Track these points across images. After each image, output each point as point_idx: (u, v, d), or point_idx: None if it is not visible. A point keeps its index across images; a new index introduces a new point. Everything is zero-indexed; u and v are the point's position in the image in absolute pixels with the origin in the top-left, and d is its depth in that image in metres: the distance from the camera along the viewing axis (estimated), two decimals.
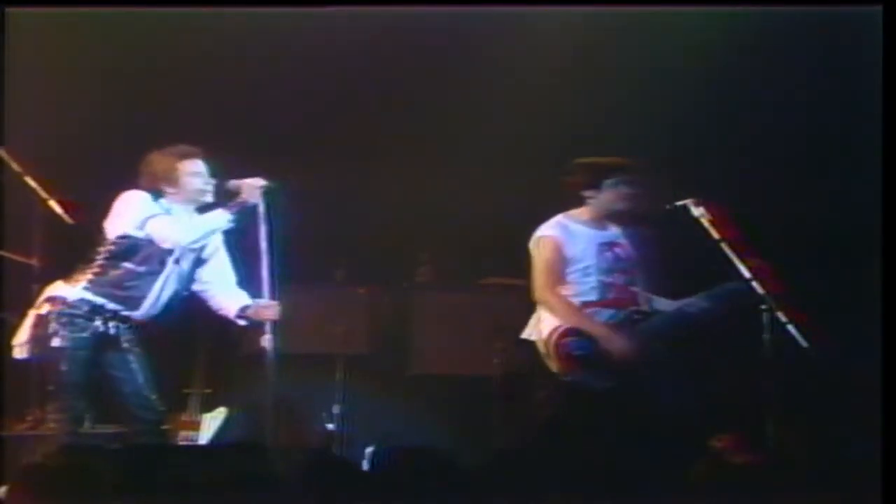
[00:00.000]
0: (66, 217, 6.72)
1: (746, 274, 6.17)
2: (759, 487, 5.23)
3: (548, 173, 7.29)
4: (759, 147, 7.81)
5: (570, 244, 6.46)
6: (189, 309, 6.50)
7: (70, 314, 6.15)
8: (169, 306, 6.31)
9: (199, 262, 6.39)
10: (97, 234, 6.28)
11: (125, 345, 6.25)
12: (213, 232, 6.33)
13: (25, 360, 6.21)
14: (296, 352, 6.66)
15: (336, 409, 7.34)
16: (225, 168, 6.42)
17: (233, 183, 6.33)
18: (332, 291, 7.85)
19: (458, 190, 7.94)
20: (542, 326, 6.42)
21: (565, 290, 6.43)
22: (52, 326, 6.14)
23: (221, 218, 6.29)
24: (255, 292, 6.34)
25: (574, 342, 6.33)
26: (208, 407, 7.64)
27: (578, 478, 5.37)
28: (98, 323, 6.18)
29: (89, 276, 6.22)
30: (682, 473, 5.35)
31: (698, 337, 6.57)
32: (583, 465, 5.50)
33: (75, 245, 6.49)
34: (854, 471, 5.43)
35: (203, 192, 6.34)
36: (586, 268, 6.44)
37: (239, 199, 6.31)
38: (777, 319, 6.09)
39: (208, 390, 7.73)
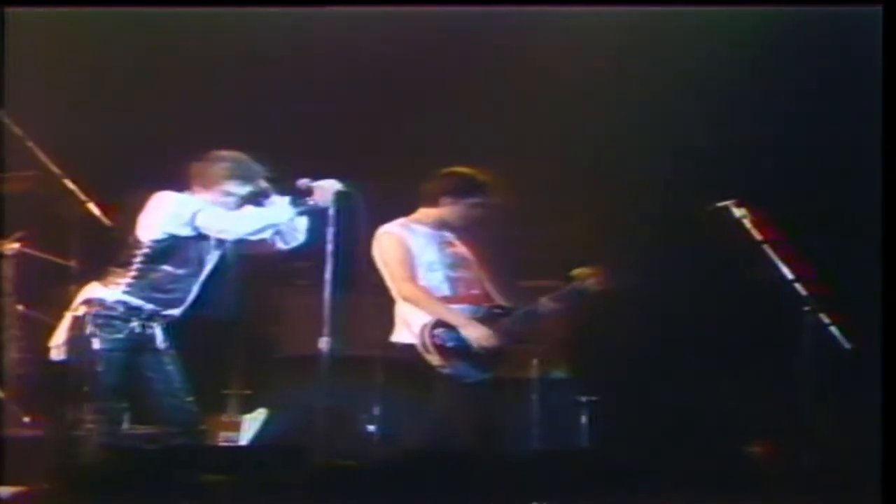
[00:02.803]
0: (104, 219, 6.81)
1: (789, 275, 6.27)
2: (766, 488, 5.45)
3: (565, 176, 7.61)
4: (757, 147, 7.87)
5: (413, 240, 6.68)
6: (228, 310, 6.57)
7: (107, 316, 6.14)
8: (208, 300, 6.31)
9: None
10: (130, 236, 6.24)
11: (160, 346, 6.24)
12: (272, 226, 6.24)
13: (62, 361, 6.21)
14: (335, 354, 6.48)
15: (376, 411, 7.27)
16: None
17: (303, 182, 6.23)
18: (365, 294, 7.51)
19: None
20: (413, 324, 6.56)
21: (423, 284, 6.62)
22: (90, 328, 6.13)
23: (283, 213, 6.22)
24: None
25: (446, 333, 6.54)
26: (248, 408, 7.60)
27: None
28: (135, 324, 6.18)
29: (128, 280, 6.18)
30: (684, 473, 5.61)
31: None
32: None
33: (109, 246, 6.53)
34: (854, 470, 5.64)
35: (233, 196, 6.24)
36: (431, 263, 6.66)
37: (310, 200, 6.22)
38: (820, 321, 6.21)
39: (248, 391, 7.69)
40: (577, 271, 6.74)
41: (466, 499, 5.49)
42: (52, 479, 5.62)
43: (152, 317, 6.22)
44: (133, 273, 6.19)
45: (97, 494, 5.46)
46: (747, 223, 6.39)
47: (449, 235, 6.80)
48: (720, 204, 6.46)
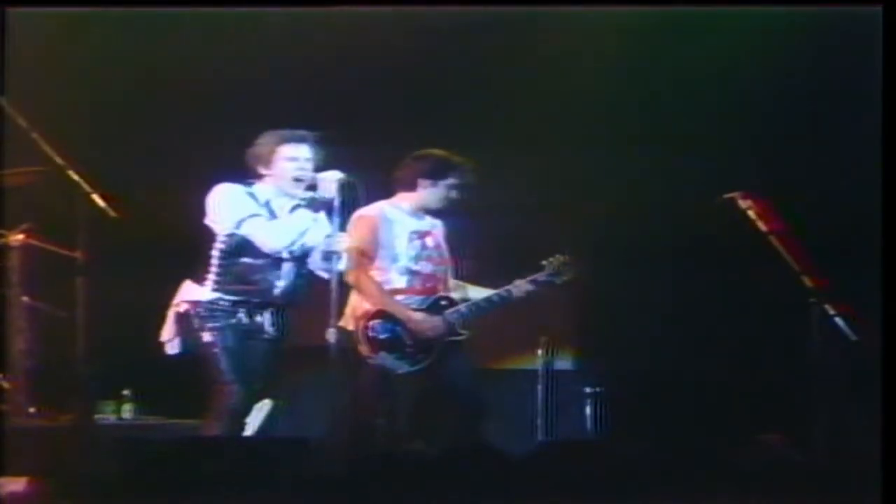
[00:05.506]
0: (109, 211, 6.66)
1: (795, 267, 6.32)
2: (766, 486, 5.51)
3: (567, 170, 7.68)
4: (757, 147, 7.93)
5: (384, 229, 6.71)
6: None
7: (210, 311, 6.20)
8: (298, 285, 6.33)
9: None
10: (203, 230, 6.28)
11: (267, 334, 6.28)
12: (304, 233, 6.23)
13: (179, 355, 6.31)
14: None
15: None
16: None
17: (309, 175, 6.27)
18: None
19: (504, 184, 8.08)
20: (356, 312, 6.64)
21: (376, 274, 6.67)
22: (196, 322, 6.20)
23: (306, 217, 6.23)
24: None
25: (380, 325, 6.62)
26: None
27: None
28: (241, 314, 6.22)
29: (213, 277, 6.22)
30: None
31: None
32: None
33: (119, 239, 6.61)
34: (854, 470, 5.64)
35: (297, 180, 6.25)
36: (394, 254, 6.68)
37: (315, 194, 6.24)
38: (825, 312, 6.24)
39: None
40: (549, 260, 6.81)
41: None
42: (62, 472, 5.63)
43: (258, 306, 6.23)
44: (216, 269, 6.24)
45: (108, 486, 5.48)
46: (752, 214, 6.46)
47: (428, 224, 6.81)
48: (726, 196, 6.53)
